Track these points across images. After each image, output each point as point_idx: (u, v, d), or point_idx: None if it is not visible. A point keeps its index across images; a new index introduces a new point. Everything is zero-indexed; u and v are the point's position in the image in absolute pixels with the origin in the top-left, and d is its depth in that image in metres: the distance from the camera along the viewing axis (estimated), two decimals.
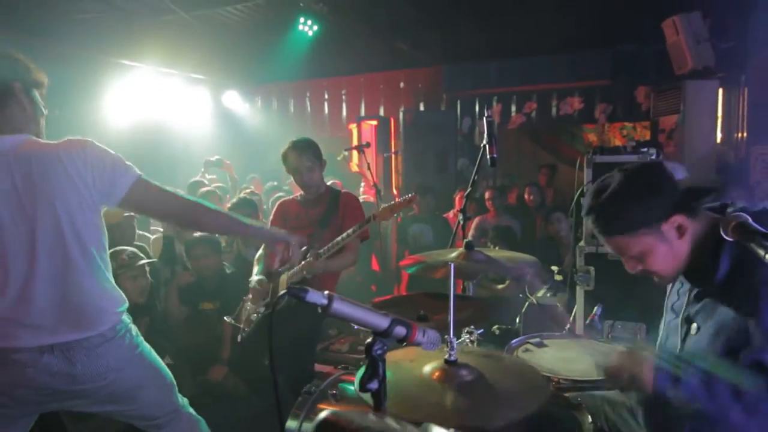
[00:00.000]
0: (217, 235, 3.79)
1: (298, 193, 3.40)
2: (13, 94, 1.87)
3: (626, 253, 1.49)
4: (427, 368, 1.21)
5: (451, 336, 1.22)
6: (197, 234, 3.84)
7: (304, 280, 2.97)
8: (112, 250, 3.22)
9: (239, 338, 3.13)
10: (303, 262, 3.03)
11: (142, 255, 3.27)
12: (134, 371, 1.94)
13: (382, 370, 1.00)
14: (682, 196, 1.42)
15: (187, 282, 3.58)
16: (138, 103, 7.75)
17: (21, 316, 1.77)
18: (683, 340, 1.54)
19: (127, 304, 1.97)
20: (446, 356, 1.20)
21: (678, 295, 1.61)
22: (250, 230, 2.26)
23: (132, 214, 3.71)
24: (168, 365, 3.23)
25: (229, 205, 4.33)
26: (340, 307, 0.98)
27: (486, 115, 2.61)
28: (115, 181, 1.85)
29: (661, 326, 1.71)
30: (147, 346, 2.04)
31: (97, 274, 1.87)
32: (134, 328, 2.00)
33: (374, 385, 1.00)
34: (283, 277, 3.13)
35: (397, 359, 1.24)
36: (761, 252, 1.11)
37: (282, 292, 0.98)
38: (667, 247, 1.43)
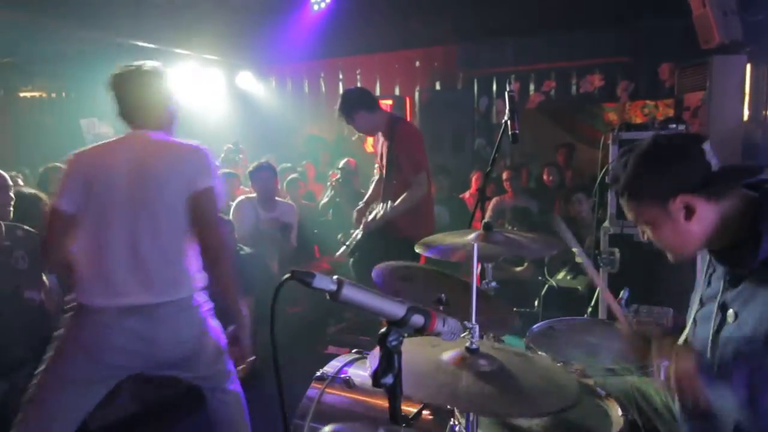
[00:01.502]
0: None
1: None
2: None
3: (635, 217, 1.45)
4: (447, 354, 1.14)
5: (474, 322, 1.14)
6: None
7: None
8: None
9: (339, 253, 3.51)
10: (363, 222, 3.35)
11: None
12: (206, 341, 2.14)
13: (398, 363, 0.92)
14: (704, 177, 1.33)
15: None
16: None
17: (109, 277, 2.00)
18: (717, 330, 1.41)
19: (206, 283, 2.17)
20: (467, 344, 1.12)
21: (710, 281, 1.50)
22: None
23: None
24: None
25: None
26: (350, 293, 0.90)
27: (508, 89, 2.50)
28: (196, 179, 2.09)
29: (689, 317, 1.60)
30: (215, 320, 2.24)
31: (185, 248, 2.11)
32: (208, 305, 2.20)
33: (389, 379, 0.92)
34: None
35: (417, 343, 1.17)
36: None
37: (286, 277, 0.90)
38: (673, 224, 1.36)
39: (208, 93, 8.61)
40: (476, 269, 1.18)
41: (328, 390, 2.00)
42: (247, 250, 3.77)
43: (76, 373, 2.01)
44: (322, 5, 6.02)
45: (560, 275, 4.01)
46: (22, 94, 8.91)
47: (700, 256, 1.59)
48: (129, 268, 2.01)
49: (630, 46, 6.69)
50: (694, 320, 1.52)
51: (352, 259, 3.50)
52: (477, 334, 1.12)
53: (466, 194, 5.93)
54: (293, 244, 4.38)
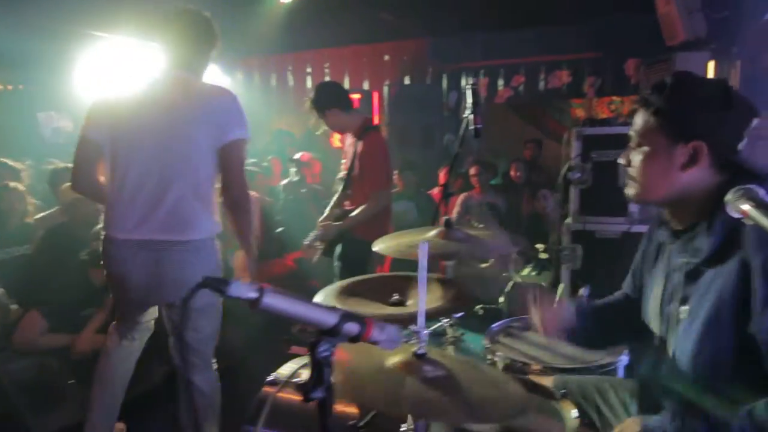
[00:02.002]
0: None
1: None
2: None
3: (639, 136, 1.34)
4: (393, 359, 1.07)
5: (421, 326, 1.07)
6: None
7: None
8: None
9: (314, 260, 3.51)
10: (320, 223, 3.32)
11: None
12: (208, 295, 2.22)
13: (328, 376, 0.85)
14: (728, 144, 1.26)
15: None
16: (111, 76, 7.45)
17: (130, 211, 2.14)
18: (672, 328, 1.36)
19: (219, 231, 2.28)
20: (415, 349, 1.05)
21: (659, 269, 1.44)
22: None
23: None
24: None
25: None
26: (273, 301, 0.82)
27: (471, 82, 2.45)
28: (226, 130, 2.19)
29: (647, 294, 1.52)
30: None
31: (209, 192, 2.23)
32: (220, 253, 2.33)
33: (319, 393, 0.85)
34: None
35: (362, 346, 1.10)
36: None
37: (197, 285, 0.82)
38: (667, 164, 1.28)
39: None
40: (425, 270, 1.11)
41: (280, 394, 1.92)
42: None
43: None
44: None
45: (525, 271, 4.00)
46: None
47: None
48: (151, 205, 2.13)
49: (597, 42, 6.73)
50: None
51: (337, 263, 3.45)
52: (425, 338, 1.06)
53: (435, 190, 5.88)
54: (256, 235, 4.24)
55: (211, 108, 2.20)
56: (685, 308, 1.31)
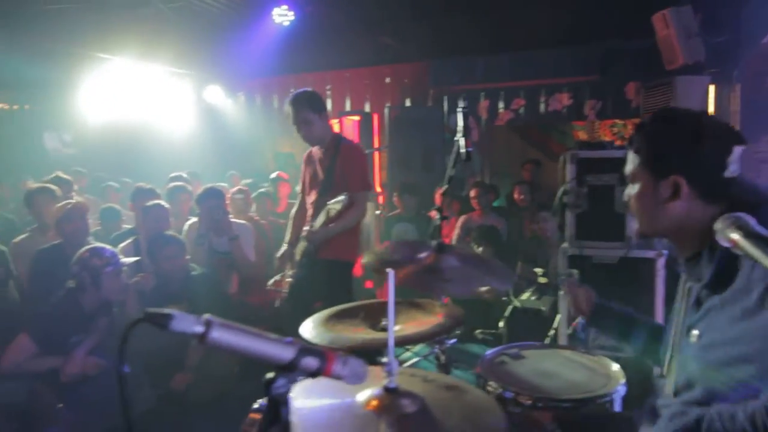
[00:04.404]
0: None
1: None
2: None
3: (630, 172, 1.40)
4: (362, 396, 1.02)
5: (391, 358, 1.02)
6: (168, 232, 3.71)
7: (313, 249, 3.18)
8: (91, 247, 3.09)
9: (277, 303, 3.46)
10: (304, 231, 3.22)
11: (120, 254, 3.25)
12: None
13: (286, 415, 0.80)
14: (711, 173, 1.27)
15: (147, 284, 3.38)
16: (116, 97, 7.53)
17: None
18: (682, 350, 1.36)
19: None
20: (386, 382, 1.00)
21: (682, 299, 1.44)
22: None
23: (78, 204, 3.63)
24: (125, 372, 3.05)
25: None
26: (222, 335, 0.77)
27: (462, 106, 2.44)
28: None
29: (668, 344, 1.52)
30: None
31: None
32: None
33: None
34: (301, 245, 3.28)
35: (325, 384, 1.05)
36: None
37: (136, 320, 0.78)
38: (653, 198, 1.32)
39: (176, 106, 8.45)
40: (392, 296, 1.07)
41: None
42: (199, 270, 3.61)
43: None
44: (285, 21, 5.92)
45: (525, 296, 3.94)
46: None
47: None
48: None
49: (597, 65, 6.75)
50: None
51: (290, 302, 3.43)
52: (395, 371, 1.01)
53: (434, 212, 5.85)
54: (249, 261, 4.13)
55: None
56: (695, 332, 1.31)
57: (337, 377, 0.83)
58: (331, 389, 1.07)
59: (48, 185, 4.06)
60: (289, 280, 3.38)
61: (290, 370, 0.81)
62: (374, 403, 0.99)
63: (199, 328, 0.77)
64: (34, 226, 3.99)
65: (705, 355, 1.26)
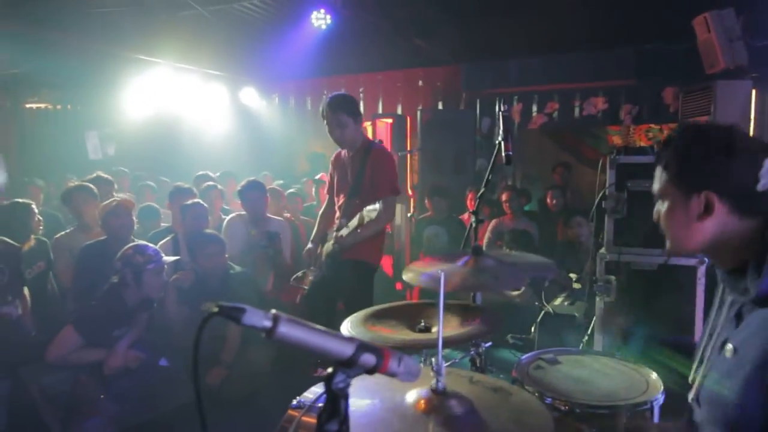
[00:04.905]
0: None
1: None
2: None
3: (659, 190, 1.37)
4: (411, 397, 1.04)
5: (440, 360, 1.04)
6: (208, 230, 3.81)
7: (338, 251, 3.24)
8: (135, 244, 3.20)
9: (298, 300, 3.56)
10: (334, 235, 3.26)
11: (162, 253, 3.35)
12: None
13: (345, 408, 0.83)
14: (743, 187, 1.24)
15: (186, 281, 3.46)
16: (155, 98, 7.72)
17: None
18: (714, 365, 1.32)
19: None
20: (433, 384, 1.03)
21: (719, 310, 1.41)
22: None
23: (125, 201, 3.73)
24: (164, 367, 3.14)
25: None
26: (288, 330, 0.81)
27: (502, 109, 2.45)
28: None
29: (699, 350, 1.49)
30: None
31: None
32: None
33: (334, 426, 0.83)
34: (327, 245, 3.36)
35: (376, 383, 1.07)
36: None
37: (212, 311, 0.82)
38: (684, 216, 1.29)
39: (212, 107, 8.62)
40: (442, 300, 1.09)
41: (304, 418, 1.91)
42: (237, 269, 3.69)
43: None
44: (323, 25, 5.99)
45: (557, 301, 3.91)
46: (27, 106, 8.94)
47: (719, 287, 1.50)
48: None
49: (634, 69, 6.64)
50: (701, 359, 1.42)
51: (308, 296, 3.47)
52: (443, 372, 1.03)
53: (465, 215, 5.84)
54: (287, 261, 4.27)
55: None
56: (729, 347, 1.27)
57: (393, 374, 0.86)
58: (378, 390, 1.09)
59: (86, 184, 4.19)
60: (311, 278, 3.45)
61: (349, 366, 0.84)
62: (423, 403, 1.01)
63: (268, 323, 0.81)
64: (77, 224, 4.13)
65: (736, 372, 1.22)
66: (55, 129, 8.68)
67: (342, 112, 3.25)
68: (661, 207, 1.37)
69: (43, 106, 9.15)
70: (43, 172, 6.94)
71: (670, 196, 1.33)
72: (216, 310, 0.80)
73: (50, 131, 8.58)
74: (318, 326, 0.84)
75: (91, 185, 4.13)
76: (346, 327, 1.98)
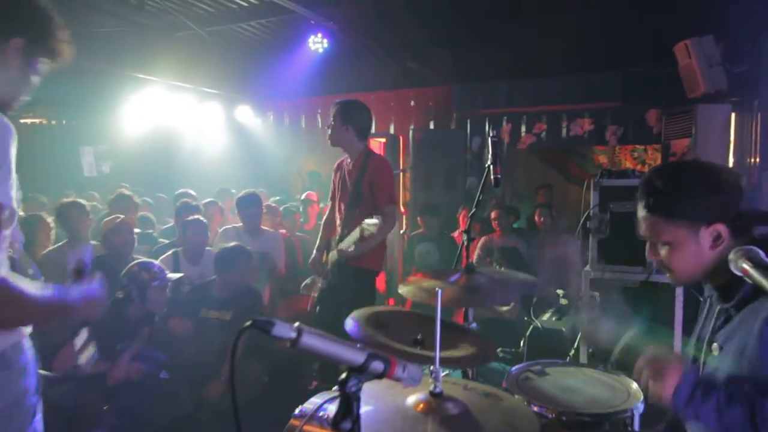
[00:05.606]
0: None
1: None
2: None
3: (656, 236, 1.46)
4: (411, 400, 1.18)
5: (437, 366, 1.18)
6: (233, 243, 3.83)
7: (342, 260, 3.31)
8: (140, 261, 3.29)
9: (308, 307, 3.62)
10: (334, 242, 3.36)
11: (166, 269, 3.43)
12: None
13: (357, 409, 0.96)
14: (737, 211, 1.40)
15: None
16: (152, 116, 7.84)
17: None
18: (704, 363, 1.49)
19: None
20: (431, 388, 1.16)
21: (707, 319, 1.57)
22: None
23: (127, 219, 3.82)
24: (163, 380, 3.22)
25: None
26: (310, 341, 0.93)
27: (492, 134, 2.59)
28: None
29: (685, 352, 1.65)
30: None
31: None
32: None
33: (347, 425, 0.95)
34: (332, 254, 3.43)
35: (379, 389, 1.20)
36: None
37: (246, 325, 0.94)
38: (697, 249, 1.41)
39: (207, 125, 8.75)
40: (439, 314, 1.22)
41: (306, 428, 2.00)
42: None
43: None
44: (320, 48, 6.18)
45: (545, 316, 4.04)
46: (22, 121, 9.01)
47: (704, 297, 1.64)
48: None
49: (619, 92, 6.88)
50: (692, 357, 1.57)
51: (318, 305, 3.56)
52: (440, 377, 1.16)
53: (456, 232, 5.99)
54: (281, 271, 4.42)
55: None
56: (715, 345, 1.44)
57: (398, 380, 0.99)
58: (382, 393, 1.22)
59: (79, 200, 4.22)
60: (320, 285, 3.55)
61: (361, 372, 0.97)
62: (422, 405, 1.14)
63: (293, 334, 0.94)
64: (66, 239, 4.14)
65: (722, 365, 1.38)
66: (51, 144, 8.74)
67: (337, 114, 3.37)
68: (660, 248, 1.46)
69: (38, 121, 9.22)
70: (40, 188, 6.99)
71: (675, 236, 1.42)
72: (250, 323, 0.92)
73: (46, 146, 8.63)
74: (334, 337, 0.97)
75: (84, 201, 4.19)
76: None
